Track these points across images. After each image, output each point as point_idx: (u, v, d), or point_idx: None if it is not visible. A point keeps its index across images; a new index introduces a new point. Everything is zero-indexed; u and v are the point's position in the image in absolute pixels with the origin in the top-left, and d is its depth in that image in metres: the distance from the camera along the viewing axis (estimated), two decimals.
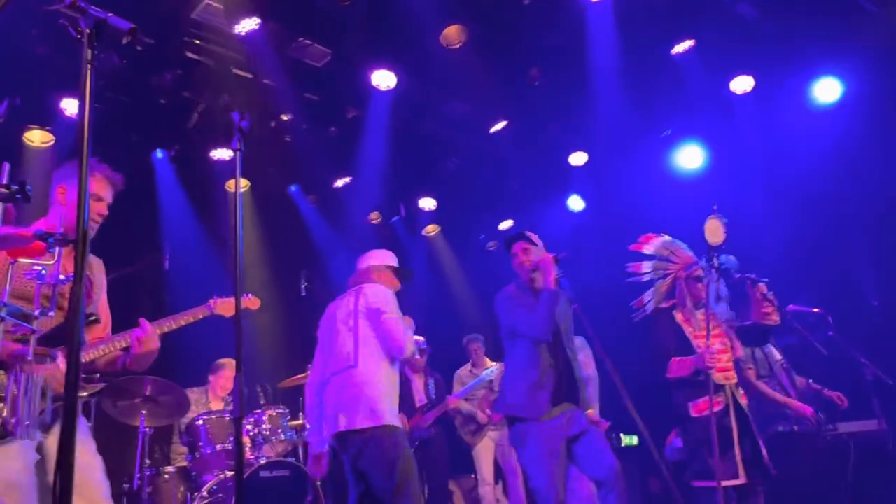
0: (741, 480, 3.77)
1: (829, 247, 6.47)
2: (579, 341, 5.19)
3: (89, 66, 1.59)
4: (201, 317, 3.20)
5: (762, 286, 4.04)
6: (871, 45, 5.84)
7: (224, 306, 3.33)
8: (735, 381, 4.01)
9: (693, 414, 4.00)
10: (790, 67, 6.26)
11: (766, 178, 6.59)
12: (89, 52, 1.60)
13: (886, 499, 4.75)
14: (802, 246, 6.34)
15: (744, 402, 3.99)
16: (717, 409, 3.88)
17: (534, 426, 3.79)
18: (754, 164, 6.69)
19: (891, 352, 5.27)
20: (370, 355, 3.75)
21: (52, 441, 2.55)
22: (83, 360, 2.63)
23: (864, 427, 5.11)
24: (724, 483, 3.72)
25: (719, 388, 3.93)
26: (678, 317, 4.16)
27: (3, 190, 1.62)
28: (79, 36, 1.60)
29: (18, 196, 1.66)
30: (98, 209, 2.78)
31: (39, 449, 2.53)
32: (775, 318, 4.17)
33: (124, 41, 1.69)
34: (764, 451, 3.91)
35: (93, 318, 2.80)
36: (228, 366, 5.93)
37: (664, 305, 4.22)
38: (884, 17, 5.69)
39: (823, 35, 5.92)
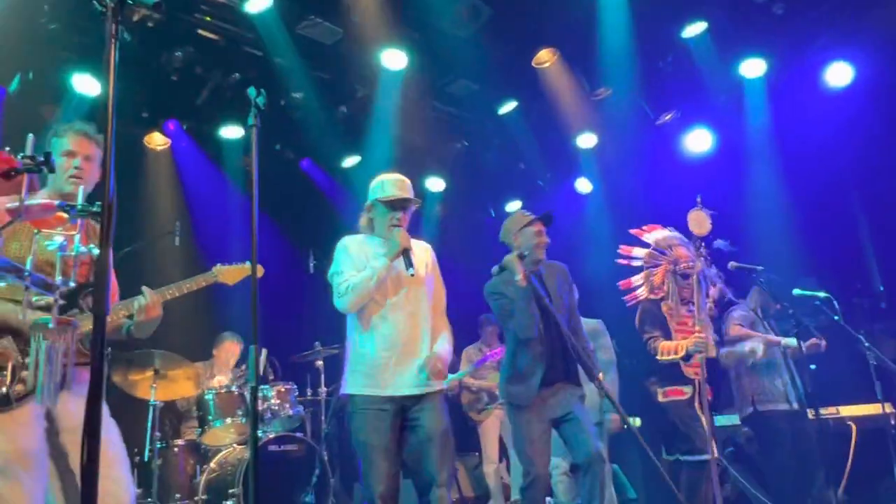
0: (713, 455, 3.98)
1: (836, 231, 6.47)
2: (597, 324, 5.22)
3: (114, 41, 1.61)
4: (204, 284, 3.12)
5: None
6: (883, 29, 5.80)
7: (227, 274, 3.23)
8: (704, 376, 4.19)
9: (660, 399, 4.35)
10: (802, 51, 6.22)
11: (775, 162, 6.58)
12: (113, 26, 1.62)
13: (888, 482, 4.80)
14: (810, 230, 6.34)
15: (709, 396, 4.18)
16: (684, 397, 4.22)
17: (524, 410, 3.89)
18: (764, 148, 6.67)
19: (895, 336, 5.30)
20: (347, 328, 3.55)
21: (60, 405, 2.58)
22: (84, 330, 2.65)
23: (866, 411, 5.17)
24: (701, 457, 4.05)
25: (689, 381, 4.22)
26: (664, 309, 4.37)
27: (29, 161, 1.65)
28: (104, 10, 1.62)
29: (43, 167, 1.69)
30: (68, 166, 2.75)
31: (48, 414, 2.58)
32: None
33: (136, 18, 1.70)
34: None
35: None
36: (231, 338, 5.99)
37: (653, 297, 4.40)
38: None
39: (836, 19, 5.88)
